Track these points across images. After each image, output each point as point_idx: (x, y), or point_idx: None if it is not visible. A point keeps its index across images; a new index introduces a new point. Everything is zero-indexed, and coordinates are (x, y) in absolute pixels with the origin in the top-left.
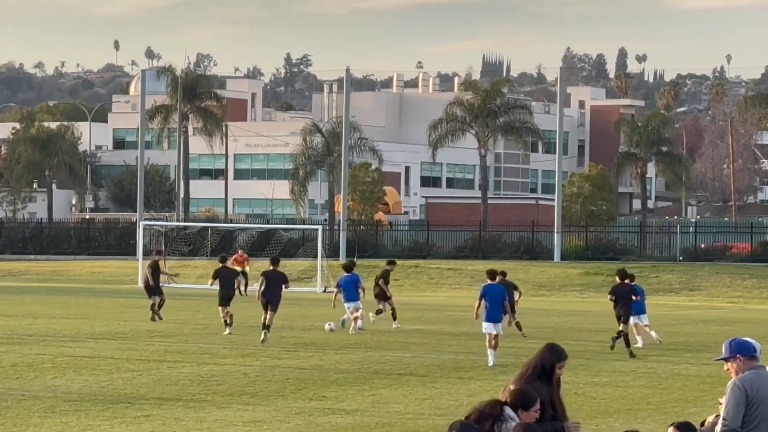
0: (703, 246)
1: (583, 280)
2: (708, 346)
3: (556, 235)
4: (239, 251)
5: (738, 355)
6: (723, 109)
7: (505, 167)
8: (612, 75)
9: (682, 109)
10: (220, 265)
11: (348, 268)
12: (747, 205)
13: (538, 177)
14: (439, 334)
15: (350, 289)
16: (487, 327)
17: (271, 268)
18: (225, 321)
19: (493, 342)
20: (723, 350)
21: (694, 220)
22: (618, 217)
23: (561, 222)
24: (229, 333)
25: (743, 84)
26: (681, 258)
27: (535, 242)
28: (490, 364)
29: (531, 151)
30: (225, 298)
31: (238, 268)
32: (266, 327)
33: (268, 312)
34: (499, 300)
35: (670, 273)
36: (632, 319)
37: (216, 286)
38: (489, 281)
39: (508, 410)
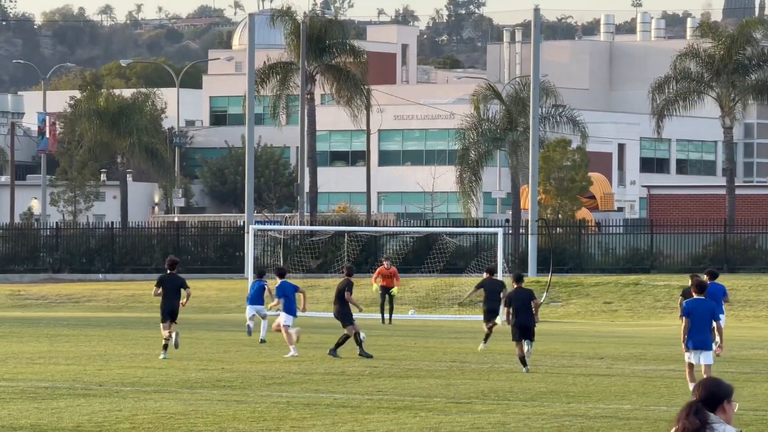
0: None
1: None
2: None
3: None
4: (384, 263)
5: None
6: None
7: (759, 144)
8: None
9: None
10: (167, 271)
11: (280, 273)
12: None
13: None
14: (671, 379)
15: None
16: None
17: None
18: (165, 343)
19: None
20: None
21: None
22: None
23: None
24: (164, 357)
25: None
26: None
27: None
28: None
29: None
30: (168, 313)
31: (375, 286)
32: None
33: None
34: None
35: None
36: None
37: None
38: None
39: (713, 416)
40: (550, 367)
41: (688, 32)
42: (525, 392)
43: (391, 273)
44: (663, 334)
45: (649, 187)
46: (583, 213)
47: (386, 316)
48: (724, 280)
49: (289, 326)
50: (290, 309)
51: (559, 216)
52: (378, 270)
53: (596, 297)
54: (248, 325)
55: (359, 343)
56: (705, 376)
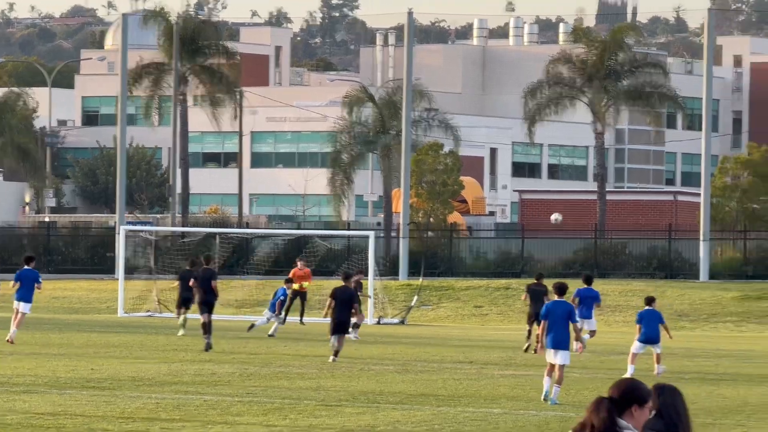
0: None
1: (741, 307)
2: None
3: (702, 244)
4: (299, 263)
5: None
6: None
7: (630, 150)
8: None
9: None
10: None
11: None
12: None
13: (676, 163)
14: (540, 383)
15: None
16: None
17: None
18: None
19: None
20: None
21: None
22: None
23: (710, 226)
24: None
25: None
26: None
27: (673, 254)
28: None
29: (666, 127)
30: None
31: (295, 286)
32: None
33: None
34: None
35: None
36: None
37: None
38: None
39: (622, 422)
40: (420, 371)
41: (561, 37)
42: (395, 395)
43: (305, 274)
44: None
45: (520, 192)
46: (454, 217)
47: (282, 315)
48: (596, 285)
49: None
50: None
51: (431, 220)
52: (293, 271)
53: (467, 301)
54: None
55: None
56: (557, 375)
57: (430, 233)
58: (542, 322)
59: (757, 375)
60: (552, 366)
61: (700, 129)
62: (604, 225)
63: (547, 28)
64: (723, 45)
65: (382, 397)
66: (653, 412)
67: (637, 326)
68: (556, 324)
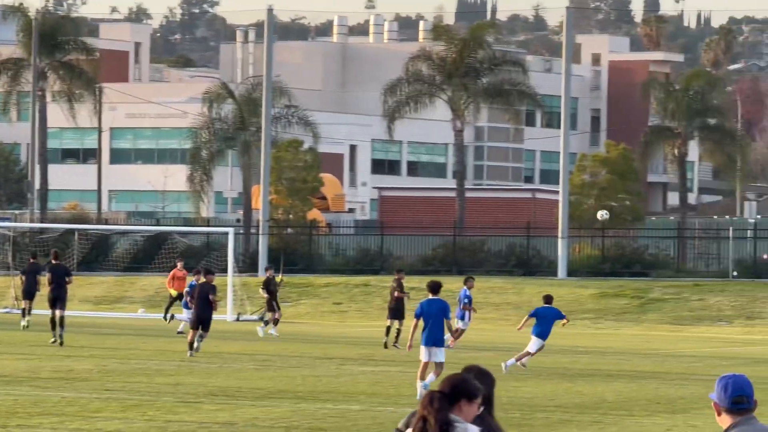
0: (765, 257)
1: (599, 305)
2: None
3: (560, 241)
4: (178, 264)
5: (713, 401)
6: None
7: (489, 147)
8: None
9: (736, 66)
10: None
11: None
12: None
13: (535, 161)
14: (399, 380)
15: None
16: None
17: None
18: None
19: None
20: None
21: (753, 220)
22: (647, 216)
23: (568, 223)
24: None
25: None
26: (735, 274)
27: (532, 251)
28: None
29: (525, 125)
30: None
31: (173, 292)
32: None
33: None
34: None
35: (719, 294)
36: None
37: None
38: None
39: (453, 416)
40: (279, 367)
41: (421, 35)
42: (254, 392)
43: (184, 275)
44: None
45: (380, 189)
46: (314, 214)
47: (169, 315)
48: (454, 282)
49: None
50: None
51: (291, 216)
52: (172, 272)
53: (326, 298)
54: None
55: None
56: (437, 372)
57: (289, 230)
58: (415, 320)
59: (614, 371)
60: (426, 365)
61: (558, 127)
62: (463, 222)
63: (407, 26)
64: (582, 43)
65: (240, 394)
66: (482, 408)
67: (528, 319)
68: (431, 322)
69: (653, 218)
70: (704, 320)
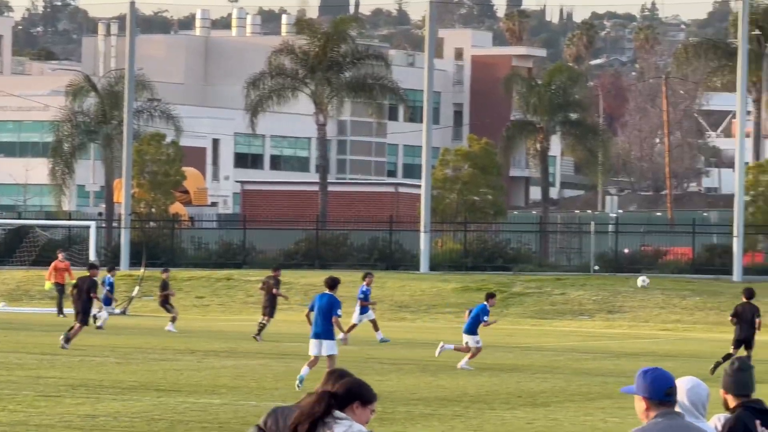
0: (626, 251)
1: (461, 298)
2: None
3: (423, 235)
4: (60, 255)
5: (642, 396)
6: (655, 62)
7: (352, 141)
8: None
9: (598, 61)
10: None
11: None
12: (687, 195)
13: (398, 155)
14: (261, 373)
15: None
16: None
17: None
18: None
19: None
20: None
21: (614, 215)
22: (509, 211)
23: (430, 217)
24: None
25: (682, 27)
26: (596, 268)
27: (394, 245)
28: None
29: (388, 119)
30: None
31: (49, 283)
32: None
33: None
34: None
35: (581, 289)
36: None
37: None
38: None
39: (339, 413)
40: (141, 361)
41: (284, 29)
42: (115, 386)
43: (65, 267)
44: (254, 330)
45: (242, 183)
46: (176, 207)
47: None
48: (316, 275)
49: None
50: None
51: (153, 210)
52: (53, 264)
53: (189, 292)
54: None
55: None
56: (329, 367)
57: (152, 224)
58: (308, 312)
59: (475, 365)
60: (316, 358)
61: (421, 121)
62: (325, 216)
63: (270, 20)
64: (444, 38)
65: (102, 388)
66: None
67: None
68: (320, 316)
69: (515, 212)
70: (566, 314)
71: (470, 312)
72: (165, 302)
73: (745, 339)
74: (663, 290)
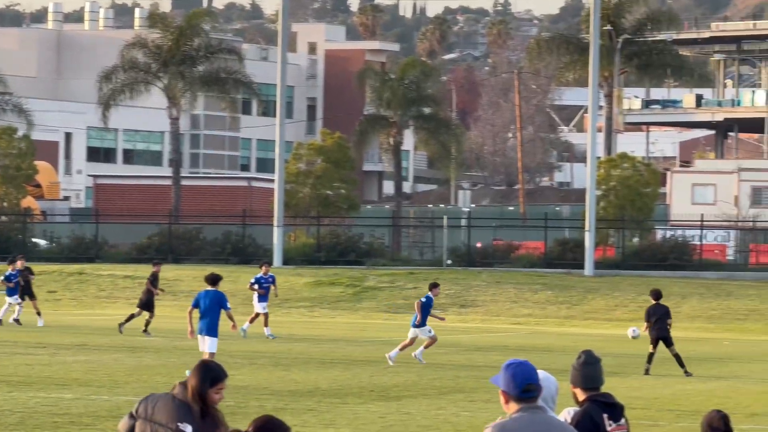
0: (479, 245)
1: (314, 293)
2: (486, 385)
3: (276, 229)
4: None
5: (501, 389)
6: (507, 57)
7: (205, 135)
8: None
9: (451, 55)
10: None
11: None
12: (540, 189)
13: (251, 149)
14: (113, 368)
15: None
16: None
17: None
18: None
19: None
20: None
21: (467, 209)
22: (363, 205)
23: (283, 212)
24: None
25: (535, 22)
26: (449, 262)
27: (247, 239)
28: None
29: (242, 113)
30: None
31: None
32: None
33: None
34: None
35: None
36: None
37: None
38: None
39: None
40: None
41: (137, 22)
42: None
43: None
44: (107, 324)
45: (95, 177)
46: (28, 201)
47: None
48: (170, 270)
49: None
50: None
51: (5, 204)
52: None
53: (41, 286)
54: None
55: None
56: (206, 359)
57: (3, 217)
58: (191, 308)
59: (328, 359)
60: (206, 354)
61: (274, 115)
62: (179, 210)
63: (123, 13)
64: (298, 32)
65: None
66: None
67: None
68: (206, 313)
69: (368, 207)
70: None
71: (420, 305)
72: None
73: (662, 337)
74: (515, 284)
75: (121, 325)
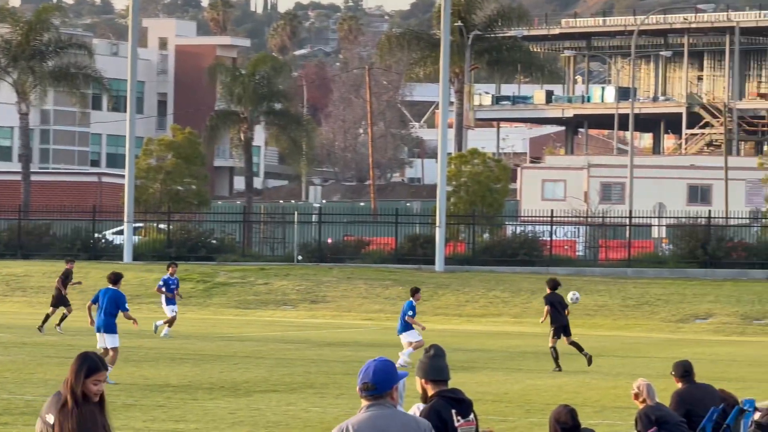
0: (330, 241)
1: None
2: (337, 380)
3: (126, 225)
4: None
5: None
6: (358, 53)
7: (55, 131)
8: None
9: (302, 51)
10: None
11: None
12: (391, 185)
13: (101, 144)
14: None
15: None
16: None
17: None
18: None
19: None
20: None
21: (318, 205)
22: (213, 201)
23: (134, 207)
24: None
25: (386, 18)
26: (300, 258)
27: (98, 235)
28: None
29: (92, 109)
30: None
31: None
32: None
33: None
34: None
35: (284, 278)
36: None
37: None
38: None
39: None
40: None
41: None
42: None
43: None
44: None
45: None
46: None
47: None
48: (19, 266)
49: None
50: None
51: None
52: None
53: None
54: None
55: None
56: (109, 357)
57: None
58: (90, 304)
59: (179, 355)
60: (105, 350)
61: (125, 110)
62: (28, 206)
63: None
64: (149, 27)
65: None
66: None
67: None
68: (103, 310)
69: (219, 202)
70: (269, 304)
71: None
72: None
73: (563, 325)
74: (366, 280)
75: (39, 327)
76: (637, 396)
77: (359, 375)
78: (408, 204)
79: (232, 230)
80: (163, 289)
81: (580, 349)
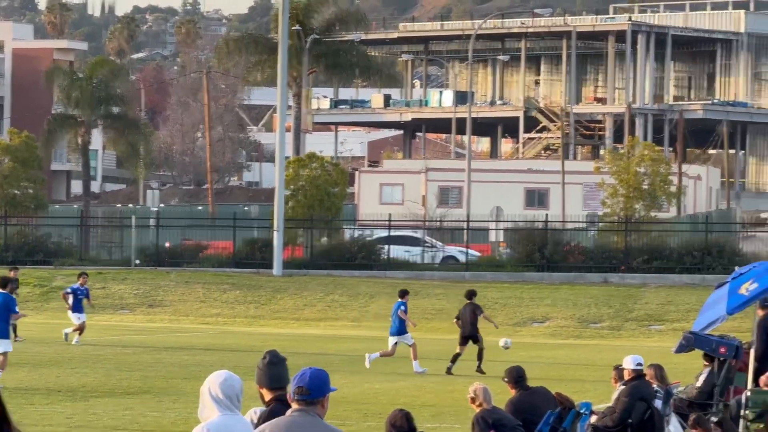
0: (168, 245)
1: None
2: (174, 385)
3: None
4: None
5: None
6: (196, 56)
7: None
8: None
9: (140, 54)
10: None
11: None
12: (229, 189)
13: None
14: None
15: None
16: None
17: None
18: None
19: None
20: None
21: (155, 209)
22: (51, 205)
23: None
24: None
25: (224, 21)
26: (137, 262)
27: None
28: None
29: None
30: None
31: None
32: None
33: None
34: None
35: (122, 283)
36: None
37: None
38: None
39: None
40: None
41: None
42: None
43: None
44: None
45: None
46: None
47: None
48: None
49: None
50: None
51: None
52: None
53: None
54: None
55: None
56: (1, 365)
57: None
58: None
59: (14, 360)
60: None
61: None
62: None
63: None
64: None
65: None
66: None
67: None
68: None
69: (57, 206)
70: (107, 308)
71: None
72: None
73: (469, 335)
74: (203, 284)
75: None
76: (473, 400)
77: (293, 380)
78: (246, 208)
79: (69, 234)
80: (70, 297)
81: (454, 360)
